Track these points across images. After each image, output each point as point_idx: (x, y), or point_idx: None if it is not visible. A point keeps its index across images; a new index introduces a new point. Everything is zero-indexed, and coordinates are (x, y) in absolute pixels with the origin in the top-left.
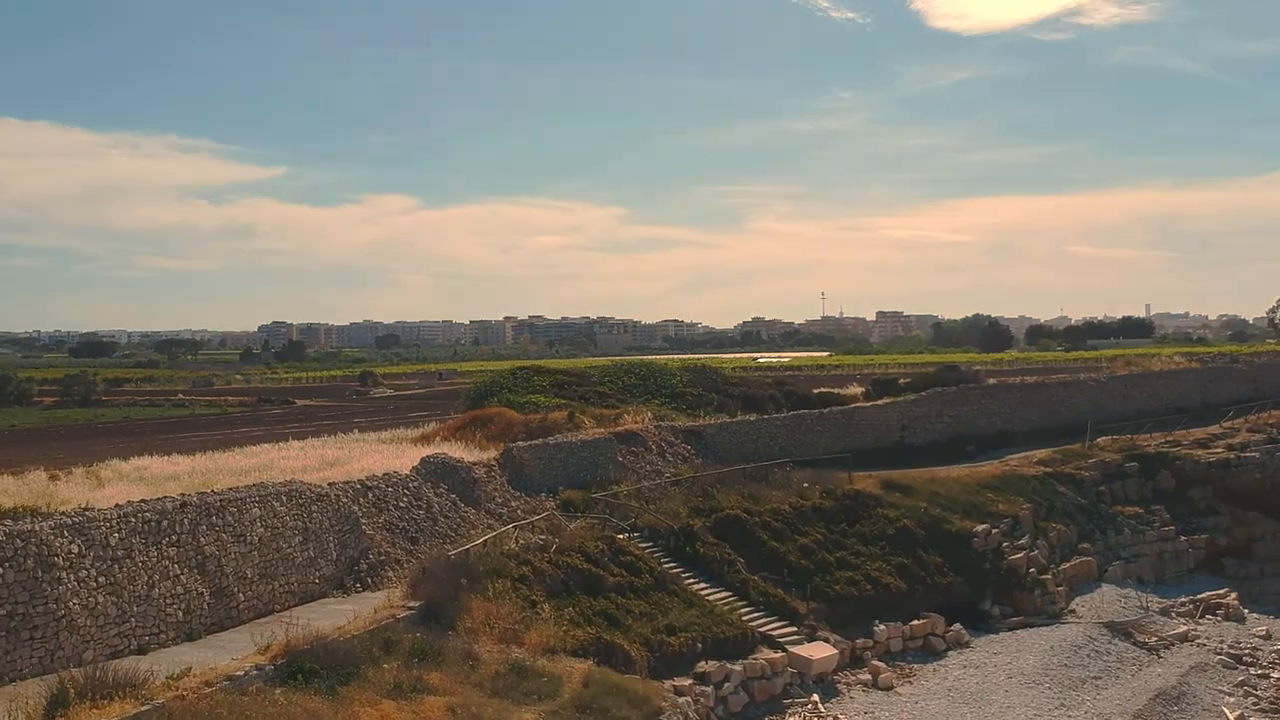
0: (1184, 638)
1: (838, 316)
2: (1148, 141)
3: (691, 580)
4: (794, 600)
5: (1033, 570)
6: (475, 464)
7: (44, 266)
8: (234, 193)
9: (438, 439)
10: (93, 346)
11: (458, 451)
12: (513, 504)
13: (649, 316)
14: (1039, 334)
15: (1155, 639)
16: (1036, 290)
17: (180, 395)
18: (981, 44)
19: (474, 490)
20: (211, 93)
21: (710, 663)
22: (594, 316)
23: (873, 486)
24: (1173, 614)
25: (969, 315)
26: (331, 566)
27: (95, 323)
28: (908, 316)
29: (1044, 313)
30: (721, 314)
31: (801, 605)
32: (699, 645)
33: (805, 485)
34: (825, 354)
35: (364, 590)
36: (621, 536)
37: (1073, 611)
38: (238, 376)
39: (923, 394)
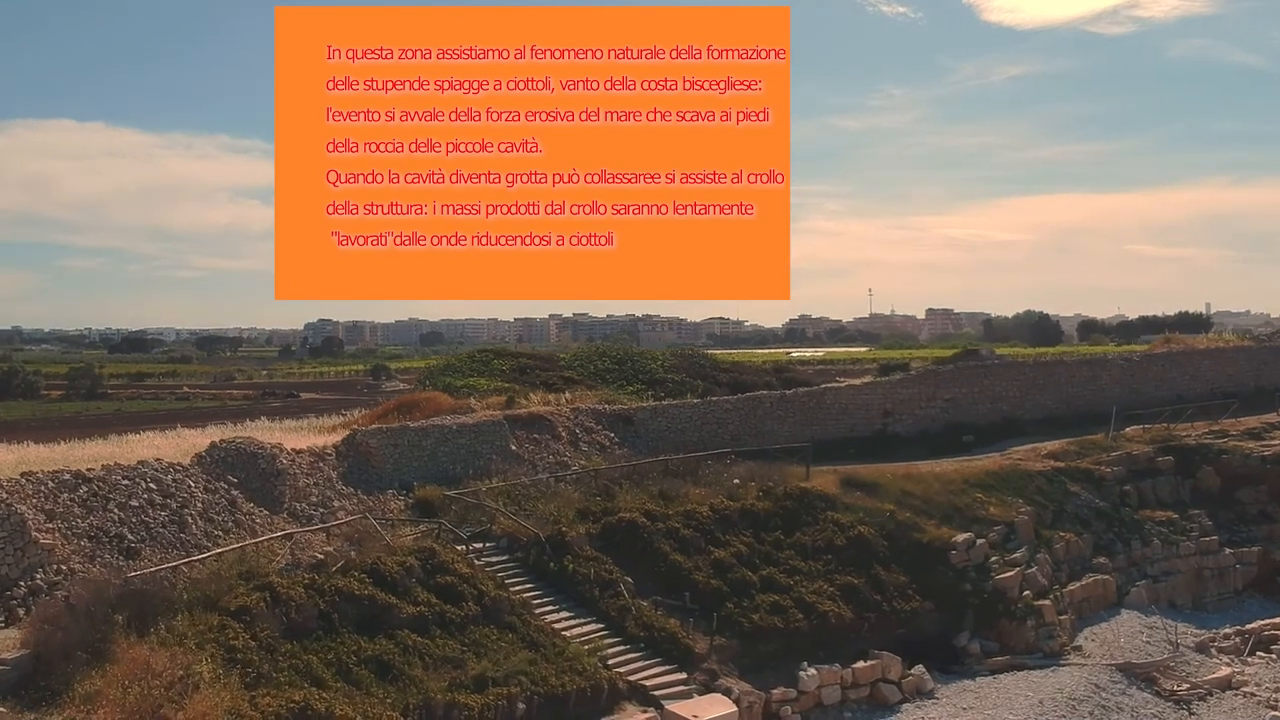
0: (1226, 684)
1: (887, 314)
2: (1208, 137)
3: (549, 608)
4: (691, 635)
5: (1027, 593)
6: (298, 451)
7: (99, 267)
8: None
9: (354, 428)
10: (132, 343)
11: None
12: (336, 504)
13: (695, 314)
14: (1091, 329)
15: (1186, 686)
16: (1094, 290)
17: (185, 389)
18: (1036, 38)
19: (276, 485)
20: (262, 94)
21: None
22: (639, 314)
23: (830, 484)
24: (1212, 650)
25: (1021, 312)
26: None
27: (149, 321)
28: (958, 314)
29: (1101, 312)
30: (770, 312)
31: (701, 642)
32: (520, 706)
33: (737, 482)
34: (865, 349)
35: (9, 626)
36: (460, 548)
37: (1078, 648)
38: (263, 372)
39: (911, 373)
